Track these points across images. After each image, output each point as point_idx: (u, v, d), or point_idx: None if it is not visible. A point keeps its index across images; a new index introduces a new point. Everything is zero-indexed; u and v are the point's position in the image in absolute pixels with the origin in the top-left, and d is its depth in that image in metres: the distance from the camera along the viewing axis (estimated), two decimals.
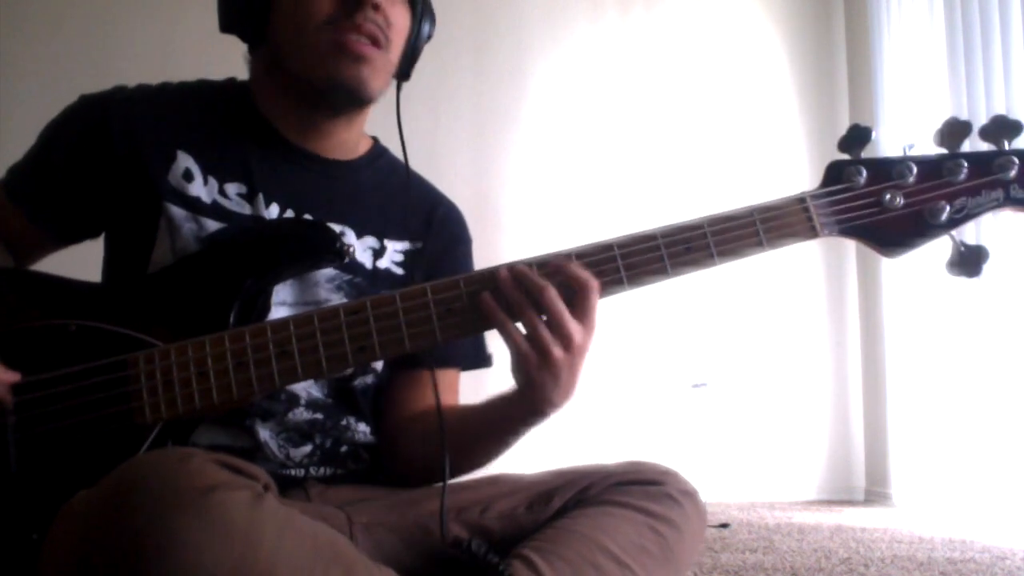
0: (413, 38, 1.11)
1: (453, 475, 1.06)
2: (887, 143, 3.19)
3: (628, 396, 3.26)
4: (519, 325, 0.93)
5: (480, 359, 1.20)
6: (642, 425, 3.28)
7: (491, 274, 0.94)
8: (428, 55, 1.16)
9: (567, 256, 0.94)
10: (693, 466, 3.00)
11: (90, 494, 0.76)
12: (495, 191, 3.36)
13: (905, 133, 3.06)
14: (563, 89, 3.51)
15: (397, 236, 1.15)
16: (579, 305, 0.92)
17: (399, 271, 1.15)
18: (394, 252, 1.15)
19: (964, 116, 2.78)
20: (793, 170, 3.53)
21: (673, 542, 0.98)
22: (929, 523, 2.63)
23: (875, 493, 3.34)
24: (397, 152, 1.16)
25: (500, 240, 3.08)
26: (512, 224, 3.28)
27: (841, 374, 3.49)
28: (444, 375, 1.16)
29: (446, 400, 1.15)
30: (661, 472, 1.03)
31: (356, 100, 1.08)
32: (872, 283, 3.38)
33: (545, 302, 0.90)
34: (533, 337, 0.91)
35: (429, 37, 1.15)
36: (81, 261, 1.16)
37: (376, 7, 1.04)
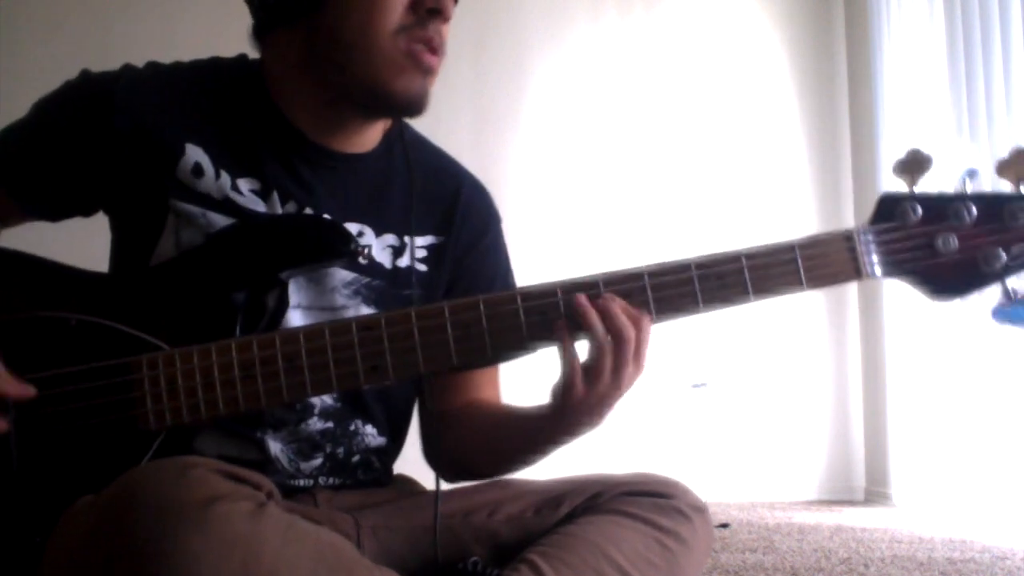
0: None
1: (483, 477, 1.10)
2: (889, 143, 3.20)
3: (628, 396, 3.25)
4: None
5: None
6: (642, 425, 3.28)
7: (511, 297, 0.92)
8: None
9: (594, 283, 0.92)
10: (693, 466, 3.02)
11: (92, 503, 0.76)
12: (495, 191, 3.32)
13: (906, 138, 3.05)
14: (563, 89, 3.50)
15: (419, 231, 1.11)
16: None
17: (422, 267, 1.11)
18: (416, 248, 1.11)
19: (964, 116, 2.79)
20: (793, 170, 3.54)
21: (680, 557, 0.97)
22: (929, 523, 2.64)
23: (875, 493, 3.34)
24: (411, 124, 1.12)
25: None
26: (511, 224, 3.26)
27: (841, 374, 3.49)
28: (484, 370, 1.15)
29: (487, 393, 1.16)
30: (671, 485, 1.03)
31: (415, 111, 1.03)
32: (872, 282, 3.37)
33: (616, 335, 0.91)
34: (592, 363, 0.92)
35: None
36: (87, 249, 1.14)
37: (447, 20, 1.01)
